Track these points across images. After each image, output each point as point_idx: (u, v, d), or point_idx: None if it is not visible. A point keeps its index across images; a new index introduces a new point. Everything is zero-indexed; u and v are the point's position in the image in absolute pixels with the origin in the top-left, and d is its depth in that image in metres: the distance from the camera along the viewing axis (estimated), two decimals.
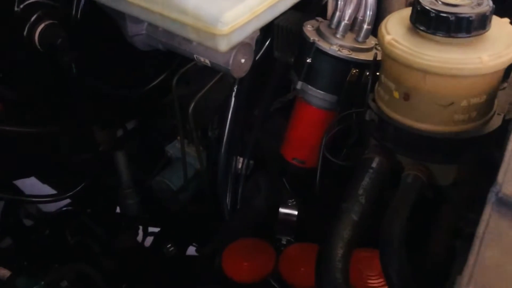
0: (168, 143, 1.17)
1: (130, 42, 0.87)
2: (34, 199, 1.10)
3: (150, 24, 0.83)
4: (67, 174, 1.15)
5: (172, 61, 1.07)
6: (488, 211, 0.43)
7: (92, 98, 0.97)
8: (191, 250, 1.22)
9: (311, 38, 0.81)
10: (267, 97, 1.01)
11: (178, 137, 1.12)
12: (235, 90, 0.98)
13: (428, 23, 0.61)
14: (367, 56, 0.80)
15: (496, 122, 0.66)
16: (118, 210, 1.28)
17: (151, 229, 1.28)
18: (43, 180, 1.23)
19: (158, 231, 1.27)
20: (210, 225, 1.11)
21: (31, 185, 1.21)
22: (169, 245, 1.15)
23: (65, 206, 1.25)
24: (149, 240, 1.27)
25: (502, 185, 0.44)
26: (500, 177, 0.45)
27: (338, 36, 0.81)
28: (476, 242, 0.40)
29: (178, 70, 1.01)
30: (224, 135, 1.00)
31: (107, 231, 1.23)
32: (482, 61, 0.59)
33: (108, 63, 0.97)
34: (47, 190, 1.22)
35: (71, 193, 1.05)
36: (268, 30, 0.89)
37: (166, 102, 1.15)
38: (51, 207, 1.25)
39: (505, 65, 0.61)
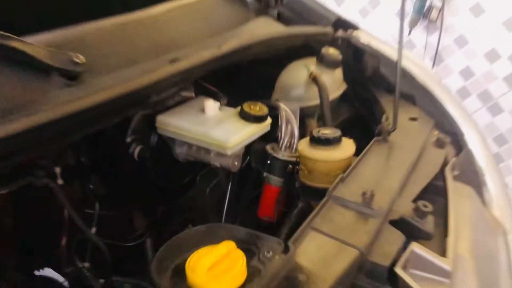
0: None
1: (175, 156, 1.67)
2: None
3: (188, 147, 1.64)
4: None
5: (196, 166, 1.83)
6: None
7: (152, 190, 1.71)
8: None
9: (269, 152, 1.64)
10: (247, 193, 1.79)
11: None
12: (229, 188, 1.76)
13: (316, 141, 1.44)
14: (296, 158, 1.62)
15: None
16: None
17: None
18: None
19: None
20: None
21: None
22: None
23: None
24: None
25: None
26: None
27: (282, 150, 1.64)
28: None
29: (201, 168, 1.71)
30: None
31: None
32: (341, 156, 1.41)
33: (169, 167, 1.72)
34: None
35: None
36: (247, 152, 1.57)
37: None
38: None
39: (347, 156, 1.43)
